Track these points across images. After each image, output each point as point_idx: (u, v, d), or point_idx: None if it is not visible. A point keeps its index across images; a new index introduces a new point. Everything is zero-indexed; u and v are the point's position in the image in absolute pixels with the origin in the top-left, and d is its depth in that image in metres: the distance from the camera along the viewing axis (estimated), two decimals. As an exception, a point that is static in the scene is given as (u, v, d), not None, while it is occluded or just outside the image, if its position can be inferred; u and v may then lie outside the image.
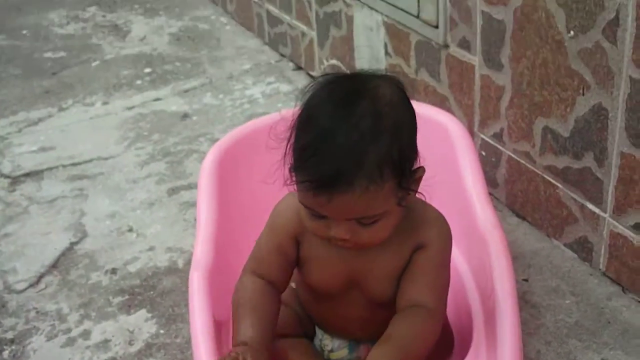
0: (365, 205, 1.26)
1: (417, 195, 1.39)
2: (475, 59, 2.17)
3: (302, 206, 1.33)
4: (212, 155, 1.88)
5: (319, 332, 1.59)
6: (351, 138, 1.23)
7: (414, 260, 1.42)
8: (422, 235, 1.42)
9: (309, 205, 1.30)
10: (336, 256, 1.41)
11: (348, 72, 1.37)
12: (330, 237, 1.33)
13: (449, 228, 1.45)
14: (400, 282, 1.42)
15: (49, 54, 3.76)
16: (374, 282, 1.44)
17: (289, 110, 1.34)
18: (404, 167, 1.29)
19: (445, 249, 1.44)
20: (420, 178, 1.36)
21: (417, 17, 2.36)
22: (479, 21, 2.11)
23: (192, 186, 2.47)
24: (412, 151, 1.33)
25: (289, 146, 1.30)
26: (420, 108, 1.92)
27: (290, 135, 1.30)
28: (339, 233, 1.30)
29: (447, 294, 1.44)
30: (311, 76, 3.18)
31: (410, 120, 1.34)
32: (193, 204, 2.30)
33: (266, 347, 1.38)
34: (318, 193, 1.25)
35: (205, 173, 1.83)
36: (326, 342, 1.57)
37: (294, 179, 1.30)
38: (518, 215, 2.19)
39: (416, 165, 1.34)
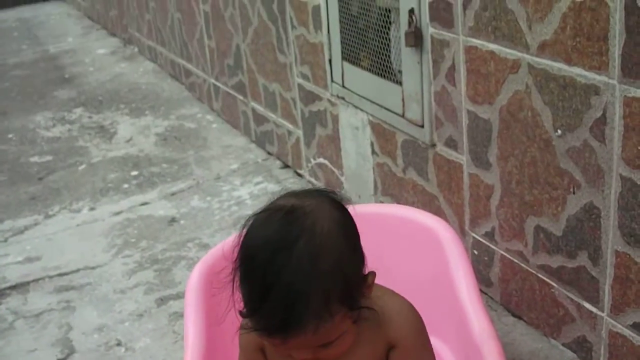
0: (319, 339, 1.25)
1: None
2: (462, 158, 2.15)
3: None
4: (197, 271, 1.84)
5: None
6: (293, 285, 1.21)
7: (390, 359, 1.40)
8: (393, 334, 1.39)
9: (265, 341, 1.31)
10: None
11: (283, 200, 1.31)
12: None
13: (417, 316, 1.43)
14: None
15: (35, 158, 3.76)
16: None
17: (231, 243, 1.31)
18: (351, 294, 1.27)
19: (418, 342, 1.42)
20: (371, 285, 1.33)
21: (402, 116, 2.34)
22: (464, 120, 2.10)
23: (181, 295, 2.43)
24: (357, 273, 1.30)
25: (234, 286, 1.28)
26: (410, 212, 1.90)
27: (234, 277, 1.28)
28: (299, 356, 1.29)
29: None
30: (299, 174, 3.17)
31: (350, 243, 1.30)
32: (182, 314, 2.25)
33: None
34: (271, 337, 1.25)
35: (191, 292, 1.78)
36: None
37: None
38: (514, 315, 2.14)
39: (365, 271, 1.32)
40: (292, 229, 1.24)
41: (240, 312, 1.27)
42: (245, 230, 1.28)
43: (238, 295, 1.27)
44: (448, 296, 1.73)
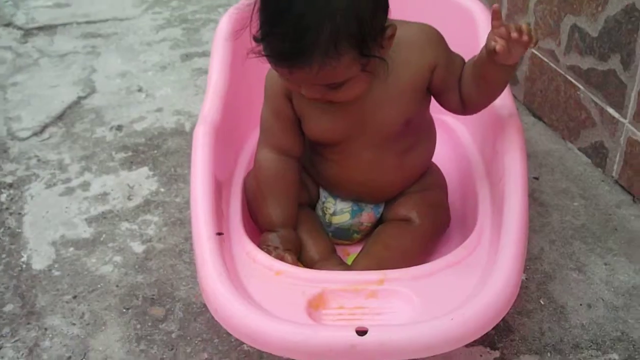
0: (325, 76, 1.25)
1: None
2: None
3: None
4: (228, 17, 1.82)
5: (322, 195, 1.56)
6: (303, 15, 1.20)
7: (434, 79, 1.42)
8: (432, 55, 1.40)
9: (277, 72, 1.31)
10: (331, 106, 1.39)
11: None
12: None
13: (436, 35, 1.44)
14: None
15: None
16: (382, 110, 1.41)
17: None
18: (363, 39, 1.25)
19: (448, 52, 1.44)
20: (392, 36, 1.31)
21: None
22: None
23: (207, 54, 2.42)
24: (376, 18, 1.28)
25: (253, 13, 1.27)
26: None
27: (255, 3, 1.27)
28: (308, 94, 1.32)
29: None
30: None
31: None
32: (206, 71, 2.24)
33: (289, 227, 1.47)
34: (279, 66, 1.27)
35: (220, 34, 1.77)
36: (328, 205, 1.55)
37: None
38: (534, 115, 2.14)
39: (387, 22, 1.31)
40: None
41: (254, 36, 1.27)
42: None
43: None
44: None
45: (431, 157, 1.57)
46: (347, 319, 1.18)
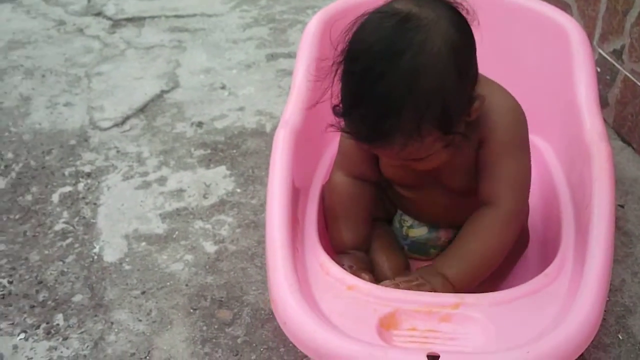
0: (407, 155, 1.20)
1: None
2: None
3: None
4: (316, 20, 1.79)
5: (400, 211, 1.53)
6: (387, 98, 1.14)
7: (478, 156, 1.34)
8: (482, 130, 1.31)
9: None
10: None
11: (402, 4, 1.19)
12: None
13: (518, 114, 1.35)
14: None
15: None
16: (452, 175, 1.37)
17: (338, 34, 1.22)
18: (448, 120, 1.19)
19: (508, 137, 1.33)
20: (477, 109, 1.25)
21: None
22: None
23: (292, 55, 2.41)
24: (463, 94, 1.21)
25: (334, 78, 1.21)
26: (540, 6, 1.80)
27: (336, 69, 1.21)
28: (389, 162, 1.30)
29: (522, 187, 1.35)
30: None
31: (460, 68, 1.18)
32: (290, 72, 2.23)
33: (366, 251, 1.45)
34: (360, 141, 1.22)
35: (307, 36, 1.75)
36: (406, 217, 1.51)
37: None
38: (623, 140, 2.07)
39: (475, 93, 1.24)
40: (400, 40, 1.15)
41: (334, 108, 1.22)
42: (355, 28, 1.20)
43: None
44: (563, 95, 1.66)
45: None
46: (419, 342, 1.14)
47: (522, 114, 1.35)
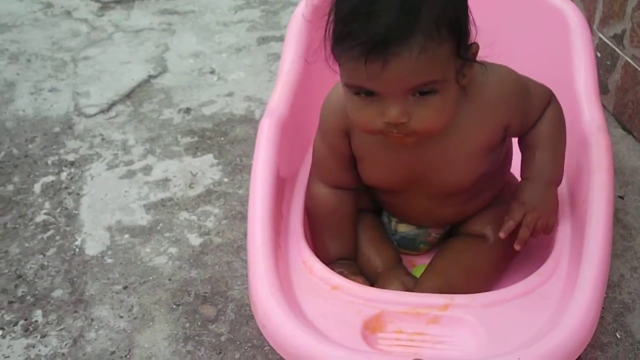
0: (423, 68, 1.10)
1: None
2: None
3: (349, 97, 1.18)
4: (305, 4, 1.74)
5: (387, 209, 1.48)
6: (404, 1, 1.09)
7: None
8: (506, 115, 1.28)
9: (358, 83, 1.14)
10: (394, 153, 1.29)
11: None
12: (382, 130, 1.17)
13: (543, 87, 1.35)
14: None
15: None
16: (448, 170, 1.30)
17: None
18: (461, 28, 1.14)
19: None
20: (475, 54, 1.20)
21: None
22: None
23: (284, 38, 2.34)
24: (467, 16, 1.17)
25: (329, 21, 1.14)
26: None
27: (330, 9, 1.14)
28: (393, 115, 1.14)
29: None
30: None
31: None
32: (281, 56, 2.19)
33: (353, 259, 1.41)
34: (370, 60, 1.10)
35: (295, 22, 1.69)
36: (394, 214, 1.47)
37: (338, 58, 1.15)
38: (624, 128, 2.01)
39: (471, 40, 1.19)
40: None
41: (333, 44, 1.14)
42: None
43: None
44: (562, 83, 1.60)
45: (504, 180, 1.46)
46: (405, 346, 1.09)
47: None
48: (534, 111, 1.32)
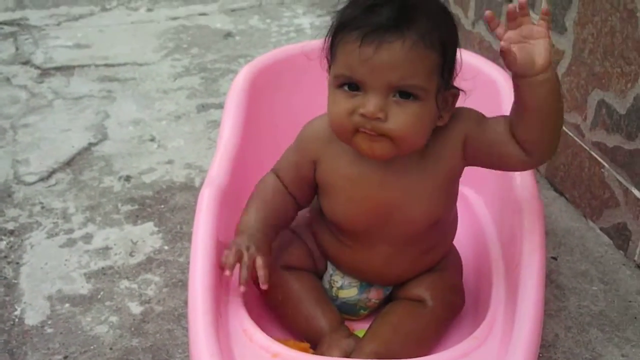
0: (410, 65, 1.18)
1: None
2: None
3: (332, 92, 1.26)
4: (244, 73, 1.77)
5: (330, 267, 1.49)
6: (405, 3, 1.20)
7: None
8: (460, 128, 1.33)
9: (348, 70, 1.21)
10: (361, 186, 1.33)
11: None
12: (356, 125, 1.22)
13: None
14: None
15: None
16: (412, 206, 1.34)
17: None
18: (450, 51, 1.24)
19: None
20: (456, 96, 1.29)
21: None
22: (548, -22, 1.98)
23: (223, 106, 2.36)
24: (455, 53, 1.28)
25: (332, 24, 1.25)
26: (472, 58, 1.80)
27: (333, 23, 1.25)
28: (371, 107, 1.19)
29: None
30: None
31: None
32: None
33: (265, 235, 1.37)
34: (365, 43, 1.18)
35: (235, 91, 1.72)
36: (336, 278, 1.48)
37: (335, 48, 1.24)
38: (556, 190, 2.07)
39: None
40: None
41: (344, 15, 1.23)
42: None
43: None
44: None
45: (449, 244, 1.50)
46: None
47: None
48: (488, 118, 1.35)
